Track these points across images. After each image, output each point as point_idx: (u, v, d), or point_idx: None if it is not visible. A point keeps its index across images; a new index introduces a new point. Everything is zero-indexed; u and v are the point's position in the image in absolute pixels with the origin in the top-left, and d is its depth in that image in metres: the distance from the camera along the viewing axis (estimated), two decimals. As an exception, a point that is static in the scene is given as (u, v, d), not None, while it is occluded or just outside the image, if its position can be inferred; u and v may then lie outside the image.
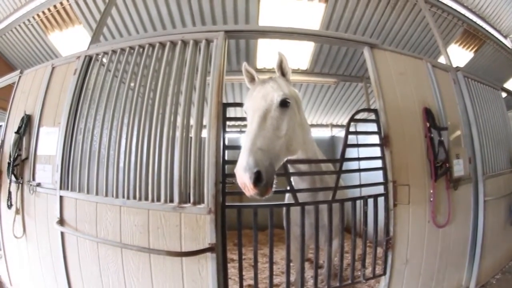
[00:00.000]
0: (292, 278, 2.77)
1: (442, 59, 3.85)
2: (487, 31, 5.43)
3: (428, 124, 2.75)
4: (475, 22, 5.20)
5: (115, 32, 4.73)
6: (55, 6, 4.52)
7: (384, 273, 2.54)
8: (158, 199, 2.30)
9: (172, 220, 2.24)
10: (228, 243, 2.26)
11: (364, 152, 2.81)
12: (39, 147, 2.94)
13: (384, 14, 4.65)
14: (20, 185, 2.98)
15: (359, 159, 2.74)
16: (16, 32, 5.01)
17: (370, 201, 2.47)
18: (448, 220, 2.73)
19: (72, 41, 4.84)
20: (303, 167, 2.29)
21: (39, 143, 2.95)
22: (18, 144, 2.97)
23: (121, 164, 2.45)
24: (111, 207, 2.44)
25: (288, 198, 2.61)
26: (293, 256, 2.60)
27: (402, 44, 5.23)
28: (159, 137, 2.38)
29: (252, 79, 2.11)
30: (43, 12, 4.63)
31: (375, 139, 2.61)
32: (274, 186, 1.59)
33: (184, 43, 2.57)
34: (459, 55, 5.54)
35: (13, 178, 2.96)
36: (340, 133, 7.22)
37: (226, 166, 2.25)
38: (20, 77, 3.47)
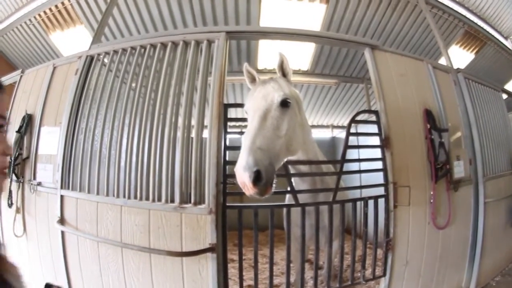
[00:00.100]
0: (292, 279, 2.77)
1: (442, 61, 3.85)
2: (488, 32, 5.42)
3: (428, 126, 2.75)
4: (476, 23, 5.19)
5: (116, 32, 4.73)
6: (56, 6, 4.52)
7: (384, 275, 2.54)
8: (159, 199, 2.30)
9: (173, 220, 2.24)
10: (228, 243, 2.26)
11: (364, 153, 2.82)
12: (40, 147, 2.95)
13: (385, 15, 4.65)
14: (20, 184, 2.99)
15: (359, 160, 2.74)
16: (17, 31, 5.00)
17: (371, 203, 2.47)
18: (448, 222, 2.73)
19: (73, 41, 4.84)
20: (303, 168, 2.29)
21: (40, 142, 2.96)
22: (19, 143, 2.98)
23: (122, 164, 2.45)
24: (112, 207, 2.45)
25: (288, 199, 2.61)
26: (293, 257, 2.60)
27: (402, 45, 5.23)
28: (160, 137, 2.38)
29: (253, 80, 2.11)
30: (45, 12, 4.63)
31: (376, 140, 2.61)
32: (274, 185, 1.60)
33: (186, 44, 2.58)
34: (460, 56, 5.53)
35: (14, 177, 2.97)
36: (341, 134, 7.22)
37: (227, 167, 2.25)
38: (21, 76, 3.47)
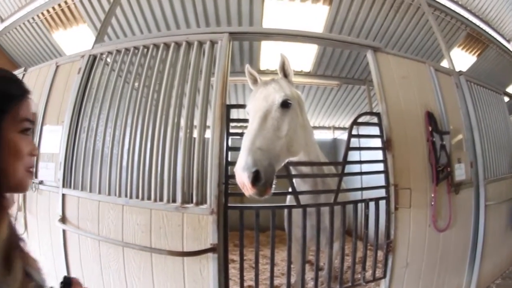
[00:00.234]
0: (293, 280, 2.78)
1: (445, 63, 3.85)
2: (490, 35, 5.42)
3: (430, 128, 2.75)
4: (478, 26, 5.18)
5: (119, 32, 4.74)
6: (59, 5, 4.53)
7: (384, 276, 2.54)
8: (161, 199, 2.31)
9: (175, 220, 2.25)
10: (228, 243, 2.26)
11: (366, 155, 2.82)
12: (42, 145, 2.95)
13: (387, 17, 4.65)
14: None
15: (361, 162, 2.75)
16: (20, 30, 5.02)
17: (372, 204, 2.48)
18: (449, 224, 2.73)
19: (76, 40, 4.85)
20: (305, 169, 2.30)
21: (42, 141, 2.96)
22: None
23: (124, 163, 2.46)
24: (113, 206, 2.45)
25: (289, 199, 2.62)
26: (294, 258, 2.60)
27: (405, 47, 5.23)
28: (162, 137, 2.39)
29: (254, 81, 2.12)
30: (48, 11, 4.64)
31: (377, 142, 2.62)
32: (273, 186, 1.60)
33: (189, 44, 2.58)
34: (462, 59, 5.53)
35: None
36: (342, 135, 7.23)
37: (229, 167, 2.25)
38: (24, 75, 3.47)
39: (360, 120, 2.60)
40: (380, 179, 2.55)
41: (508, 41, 5.70)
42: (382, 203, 2.50)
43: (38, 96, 3.12)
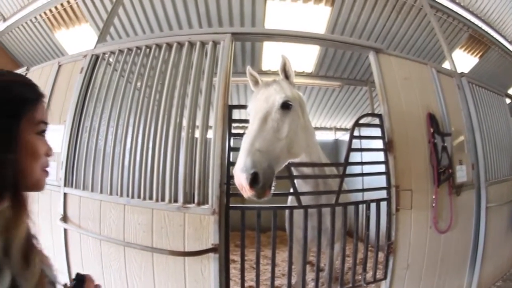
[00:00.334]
0: (293, 281, 2.78)
1: (446, 65, 3.85)
2: (492, 36, 5.40)
3: (432, 130, 2.75)
4: (480, 28, 5.17)
5: (121, 32, 4.75)
6: (62, 4, 4.54)
7: (385, 278, 2.54)
8: (163, 199, 2.31)
9: (176, 220, 2.25)
10: (229, 244, 2.27)
11: (367, 156, 2.82)
12: (44, 144, 2.95)
13: (389, 18, 4.65)
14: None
15: (362, 163, 2.75)
16: (22, 29, 5.03)
17: (373, 206, 2.48)
18: (450, 226, 2.73)
19: (78, 39, 4.86)
20: (306, 170, 2.30)
21: (44, 140, 2.96)
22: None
23: (126, 163, 2.46)
24: (115, 206, 2.46)
25: (291, 200, 2.62)
26: (295, 259, 2.60)
27: (407, 48, 5.22)
28: (164, 137, 2.39)
29: (256, 83, 2.12)
30: (50, 10, 4.65)
31: (379, 143, 2.62)
32: (273, 188, 1.60)
33: (191, 44, 2.59)
34: (464, 60, 5.52)
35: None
36: (344, 136, 7.23)
37: (230, 168, 2.26)
38: (26, 74, 3.48)
39: (361, 121, 2.60)
40: (381, 181, 2.55)
41: (510, 42, 5.68)
42: (383, 205, 2.50)
43: (40, 96, 3.12)
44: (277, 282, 3.29)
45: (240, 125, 2.70)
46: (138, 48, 2.72)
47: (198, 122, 2.40)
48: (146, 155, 2.41)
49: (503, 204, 3.30)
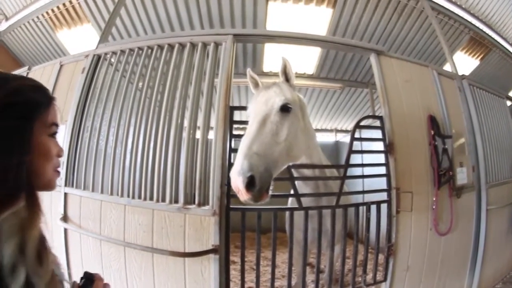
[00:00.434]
0: (293, 282, 2.78)
1: (447, 67, 3.85)
2: (493, 38, 5.41)
3: (432, 132, 2.75)
4: (481, 30, 5.17)
5: (123, 32, 4.76)
6: (64, 4, 4.54)
7: (385, 279, 2.54)
8: (163, 200, 2.31)
9: (177, 221, 2.25)
10: (230, 245, 2.27)
11: (368, 158, 2.82)
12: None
13: (390, 20, 4.65)
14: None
15: (363, 165, 2.75)
16: (24, 28, 5.04)
17: (373, 208, 2.48)
18: (450, 228, 2.73)
19: (80, 39, 4.87)
20: (307, 172, 2.30)
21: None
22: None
23: (127, 164, 2.47)
24: (115, 206, 2.46)
25: (291, 202, 2.62)
26: (295, 260, 2.60)
27: (408, 51, 5.23)
28: (166, 137, 2.39)
29: (256, 85, 2.12)
30: (52, 10, 4.66)
31: (380, 145, 2.62)
32: (270, 192, 1.60)
33: (193, 45, 2.59)
34: (465, 62, 5.52)
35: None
36: (345, 138, 7.22)
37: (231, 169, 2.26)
38: (27, 73, 3.49)
39: (362, 123, 2.60)
40: (382, 183, 2.55)
41: (511, 45, 5.69)
42: (384, 206, 2.50)
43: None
44: (277, 284, 3.29)
45: (241, 126, 2.70)
46: (140, 48, 2.73)
47: (199, 123, 2.40)
48: (147, 156, 2.42)
49: (504, 207, 3.30)
